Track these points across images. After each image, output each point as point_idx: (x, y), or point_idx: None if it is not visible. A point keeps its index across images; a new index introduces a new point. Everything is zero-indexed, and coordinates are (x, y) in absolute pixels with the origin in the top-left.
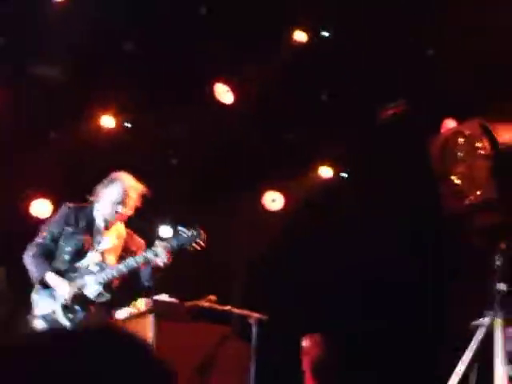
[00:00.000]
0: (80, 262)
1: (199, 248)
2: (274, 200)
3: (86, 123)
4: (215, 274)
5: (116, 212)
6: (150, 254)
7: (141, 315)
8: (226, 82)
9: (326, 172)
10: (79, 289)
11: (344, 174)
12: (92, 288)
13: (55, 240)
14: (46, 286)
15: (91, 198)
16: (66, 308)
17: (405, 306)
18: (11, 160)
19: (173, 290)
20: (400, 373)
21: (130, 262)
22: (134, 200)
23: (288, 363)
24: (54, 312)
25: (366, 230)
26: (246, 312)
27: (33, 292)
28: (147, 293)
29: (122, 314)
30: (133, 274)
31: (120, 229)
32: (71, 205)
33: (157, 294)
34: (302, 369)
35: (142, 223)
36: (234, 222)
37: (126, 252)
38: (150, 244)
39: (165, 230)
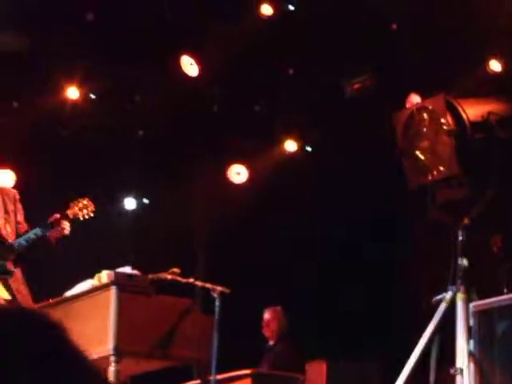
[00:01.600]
0: None
1: (88, 217)
2: (238, 173)
3: (51, 94)
4: (179, 247)
5: None
6: (47, 227)
7: (103, 287)
8: (191, 55)
9: (291, 146)
10: None
11: (309, 148)
12: None
13: None
14: None
15: None
16: None
17: (369, 281)
18: None
19: (136, 263)
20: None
21: (31, 236)
22: None
23: (250, 335)
24: None
25: (328, 206)
26: (209, 285)
27: None
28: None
29: (84, 285)
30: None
31: None
32: None
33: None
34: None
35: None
36: (199, 195)
37: (8, 213)
38: None
39: None
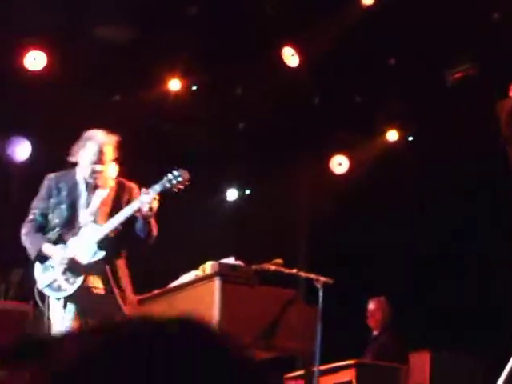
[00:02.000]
0: (72, 230)
1: (182, 187)
2: (340, 163)
3: (153, 86)
4: (282, 237)
5: (95, 171)
6: (136, 204)
7: (207, 278)
8: (292, 46)
9: (392, 136)
10: (75, 252)
11: (410, 138)
12: (88, 249)
13: (44, 214)
14: (44, 259)
15: (71, 161)
16: (66, 272)
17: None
18: (75, 122)
19: (239, 253)
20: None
21: (120, 216)
22: (110, 155)
23: (354, 326)
24: (55, 280)
25: (430, 194)
26: (312, 275)
27: (34, 270)
28: (142, 244)
29: (188, 276)
30: (127, 225)
31: (106, 184)
32: (52, 175)
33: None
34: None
35: None
36: (300, 185)
37: (117, 203)
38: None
39: None
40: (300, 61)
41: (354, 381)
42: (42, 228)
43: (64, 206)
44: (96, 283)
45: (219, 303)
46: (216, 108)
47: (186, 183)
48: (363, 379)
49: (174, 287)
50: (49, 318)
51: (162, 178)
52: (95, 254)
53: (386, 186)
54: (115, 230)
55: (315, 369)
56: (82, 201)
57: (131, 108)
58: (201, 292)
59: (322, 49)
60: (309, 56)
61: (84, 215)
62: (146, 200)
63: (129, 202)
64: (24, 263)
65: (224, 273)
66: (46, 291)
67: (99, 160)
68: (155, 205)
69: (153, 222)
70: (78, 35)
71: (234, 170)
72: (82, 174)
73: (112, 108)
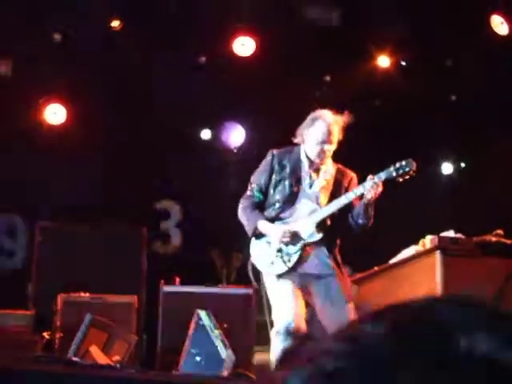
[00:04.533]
0: (291, 207)
1: (408, 178)
2: None
3: (362, 64)
4: (500, 209)
5: (322, 151)
6: (359, 190)
7: (427, 252)
8: (501, 14)
9: None
10: (292, 231)
11: None
12: (305, 229)
13: (263, 190)
14: (260, 235)
15: (296, 141)
16: (281, 251)
17: None
18: (287, 106)
19: (458, 227)
20: None
21: (342, 200)
22: (336, 135)
23: None
24: (270, 256)
25: None
26: None
27: (250, 246)
28: (358, 229)
29: (408, 252)
30: (344, 212)
31: (328, 166)
32: (275, 151)
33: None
34: None
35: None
36: None
37: (337, 188)
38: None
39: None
40: (510, 28)
41: None
42: (260, 204)
43: (287, 183)
44: (312, 263)
45: (441, 277)
46: (426, 81)
47: (413, 174)
48: None
49: (394, 263)
50: (266, 294)
51: (388, 166)
52: (312, 235)
53: None
54: (332, 215)
55: None
56: (306, 181)
57: (341, 88)
58: (422, 267)
59: None
60: None
61: (306, 194)
62: (370, 186)
63: (347, 189)
64: (245, 248)
65: (445, 246)
66: (260, 266)
67: (327, 140)
68: (378, 191)
69: (373, 207)
70: (284, 18)
71: (448, 143)
72: (307, 152)
73: (322, 89)
